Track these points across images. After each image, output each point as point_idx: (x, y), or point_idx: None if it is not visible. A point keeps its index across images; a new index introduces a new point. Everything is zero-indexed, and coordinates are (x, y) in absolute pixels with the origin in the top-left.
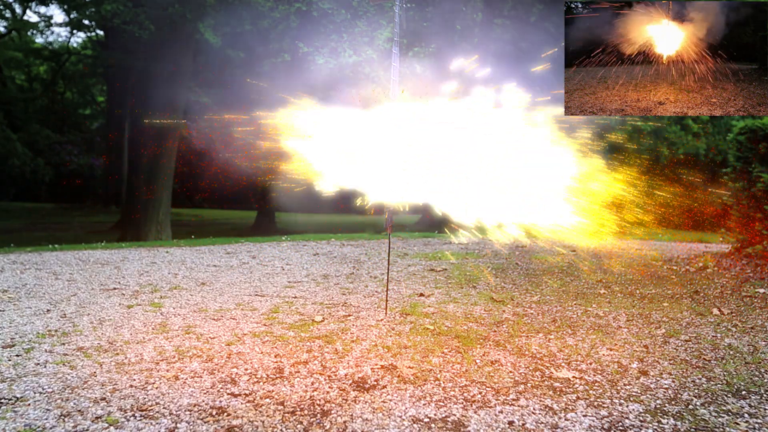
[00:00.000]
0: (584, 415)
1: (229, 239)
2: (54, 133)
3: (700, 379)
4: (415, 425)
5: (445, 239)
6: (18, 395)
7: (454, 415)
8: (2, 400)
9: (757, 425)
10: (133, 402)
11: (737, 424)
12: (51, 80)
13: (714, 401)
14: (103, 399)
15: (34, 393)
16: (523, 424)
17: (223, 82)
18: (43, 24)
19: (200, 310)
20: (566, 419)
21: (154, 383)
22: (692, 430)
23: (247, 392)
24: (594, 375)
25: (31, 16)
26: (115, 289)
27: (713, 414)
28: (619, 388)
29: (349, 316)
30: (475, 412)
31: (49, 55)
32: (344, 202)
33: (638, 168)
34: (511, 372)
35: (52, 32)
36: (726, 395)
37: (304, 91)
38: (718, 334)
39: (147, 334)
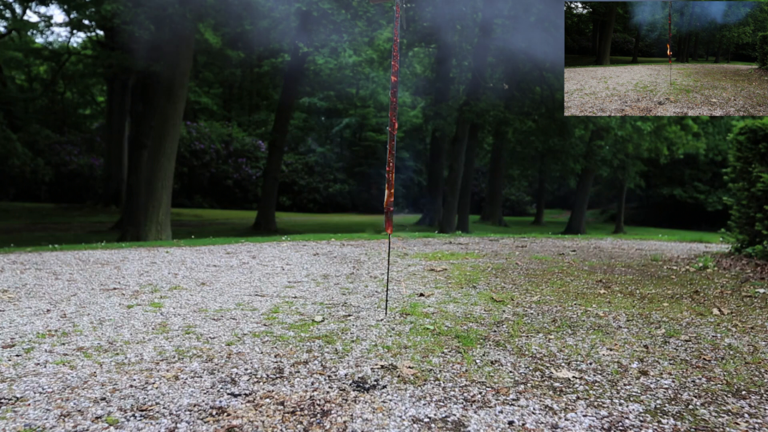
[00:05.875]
0: (584, 415)
1: (229, 239)
2: (54, 133)
3: (700, 379)
4: (415, 425)
5: (445, 239)
6: (18, 395)
7: (454, 415)
8: (2, 400)
9: (757, 425)
10: (133, 402)
11: (737, 424)
12: (51, 80)
13: (714, 401)
14: (103, 399)
15: (34, 393)
16: (523, 424)
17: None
18: (43, 24)
19: (200, 310)
20: (566, 419)
21: (154, 383)
22: (692, 430)
23: (247, 392)
24: (594, 375)
25: (31, 16)
26: (115, 289)
27: (713, 414)
28: (619, 388)
29: (349, 316)
30: (475, 412)
31: (49, 55)
32: None
33: None
34: (511, 372)
35: (52, 32)
36: (726, 395)
37: None
38: (718, 334)
39: (147, 334)
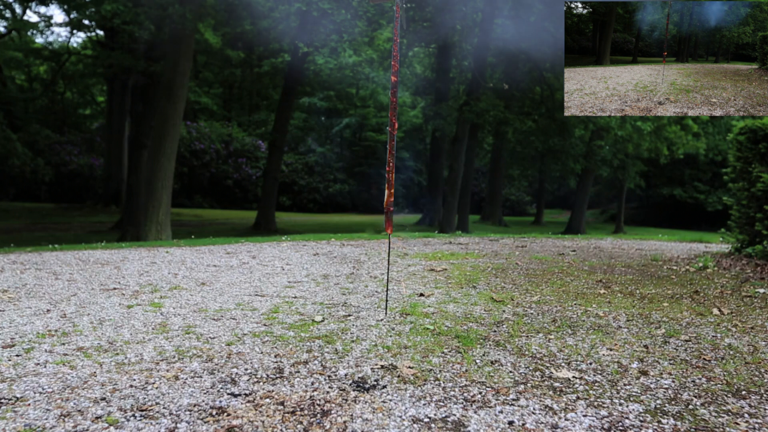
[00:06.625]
0: (584, 415)
1: (229, 239)
2: (54, 133)
3: (700, 379)
4: (415, 425)
5: (445, 239)
6: (18, 395)
7: (454, 415)
8: (2, 400)
9: (757, 425)
10: (133, 402)
11: (737, 424)
12: (51, 80)
13: (714, 401)
14: (103, 399)
15: (34, 393)
16: (523, 424)
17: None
18: (43, 24)
19: (200, 310)
20: (566, 419)
21: (154, 383)
22: (692, 430)
23: (247, 392)
24: (594, 375)
25: (31, 16)
26: (115, 289)
27: (713, 414)
28: (619, 388)
29: (349, 316)
30: (475, 412)
31: (49, 55)
32: None
33: None
34: (511, 372)
35: (52, 32)
36: (726, 395)
37: None
38: (718, 334)
39: (147, 334)
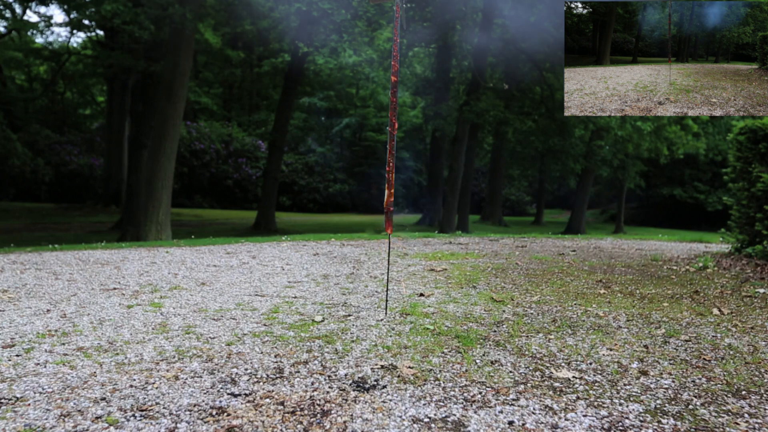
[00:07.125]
0: (584, 415)
1: (229, 239)
2: (54, 133)
3: (700, 379)
4: (415, 425)
5: (445, 239)
6: (18, 395)
7: (454, 415)
8: (2, 400)
9: (757, 425)
10: (133, 402)
11: (737, 424)
12: (51, 80)
13: (714, 401)
14: (103, 399)
15: (34, 393)
16: (523, 424)
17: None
18: (43, 24)
19: (200, 310)
20: (566, 419)
21: (154, 383)
22: (692, 430)
23: (247, 392)
24: (594, 375)
25: (31, 16)
26: (115, 289)
27: (713, 414)
28: (619, 388)
29: (349, 316)
30: (475, 412)
31: (49, 55)
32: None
33: None
34: (511, 372)
35: (52, 32)
36: (726, 395)
37: None
38: (718, 334)
39: (147, 334)
